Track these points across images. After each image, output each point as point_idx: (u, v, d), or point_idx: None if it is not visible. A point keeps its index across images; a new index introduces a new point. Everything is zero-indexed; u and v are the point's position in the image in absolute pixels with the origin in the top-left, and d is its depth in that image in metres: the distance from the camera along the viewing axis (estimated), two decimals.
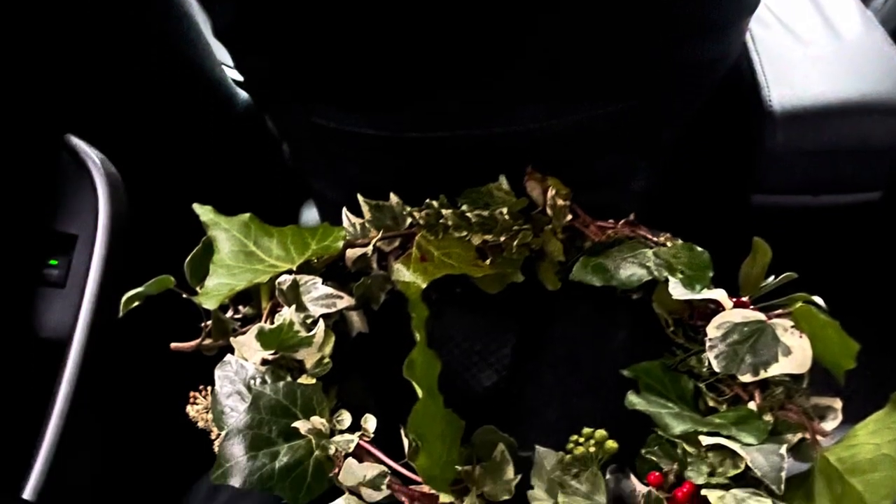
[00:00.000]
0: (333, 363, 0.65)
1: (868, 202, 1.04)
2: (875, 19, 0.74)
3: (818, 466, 0.61)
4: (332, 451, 0.61)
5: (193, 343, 0.67)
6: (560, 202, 0.72)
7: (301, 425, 0.61)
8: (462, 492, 0.61)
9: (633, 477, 0.64)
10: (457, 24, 0.63)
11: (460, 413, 0.61)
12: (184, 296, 0.64)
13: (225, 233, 0.66)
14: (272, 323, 0.65)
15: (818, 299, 0.65)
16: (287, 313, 0.64)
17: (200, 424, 0.68)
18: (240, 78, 0.98)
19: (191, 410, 0.68)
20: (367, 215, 0.72)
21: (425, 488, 0.61)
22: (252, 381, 0.64)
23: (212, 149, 1.07)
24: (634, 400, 0.65)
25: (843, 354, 0.62)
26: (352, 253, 0.71)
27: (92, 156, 0.89)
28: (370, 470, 0.61)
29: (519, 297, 0.71)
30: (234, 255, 0.65)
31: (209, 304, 0.61)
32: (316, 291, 0.67)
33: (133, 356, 0.89)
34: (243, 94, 1.10)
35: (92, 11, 0.82)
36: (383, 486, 0.61)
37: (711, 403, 0.67)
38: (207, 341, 0.68)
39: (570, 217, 0.73)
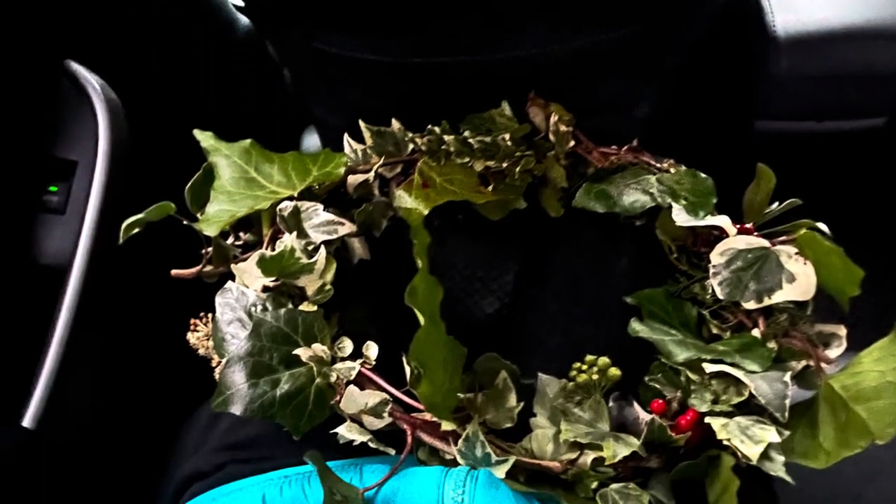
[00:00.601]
0: (335, 290, 0.64)
1: (872, 128, 1.02)
2: None
3: (822, 394, 0.60)
4: (333, 379, 0.60)
5: (194, 270, 0.66)
6: (563, 128, 0.70)
7: (302, 352, 0.60)
8: (464, 419, 0.61)
9: (636, 404, 0.63)
10: None
11: (462, 340, 0.60)
12: (184, 222, 0.62)
13: (225, 159, 0.65)
14: (273, 250, 0.64)
15: (822, 226, 0.64)
16: (288, 240, 0.63)
17: (201, 352, 0.67)
18: (240, 3, 0.96)
19: (191, 338, 0.67)
20: (369, 141, 0.70)
21: (427, 416, 0.60)
22: (253, 308, 0.63)
23: (212, 75, 1.05)
24: (637, 327, 0.64)
25: (847, 281, 0.60)
26: (353, 179, 0.69)
27: (92, 81, 0.87)
28: (372, 397, 0.60)
29: (521, 224, 0.70)
30: (234, 181, 0.64)
31: (210, 230, 0.59)
32: (317, 218, 0.66)
33: (133, 283, 0.88)
34: (244, 20, 1.08)
35: None
36: (385, 414, 0.60)
37: (715, 331, 0.66)
38: (208, 268, 0.67)
39: (572, 143, 0.71)
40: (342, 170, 0.65)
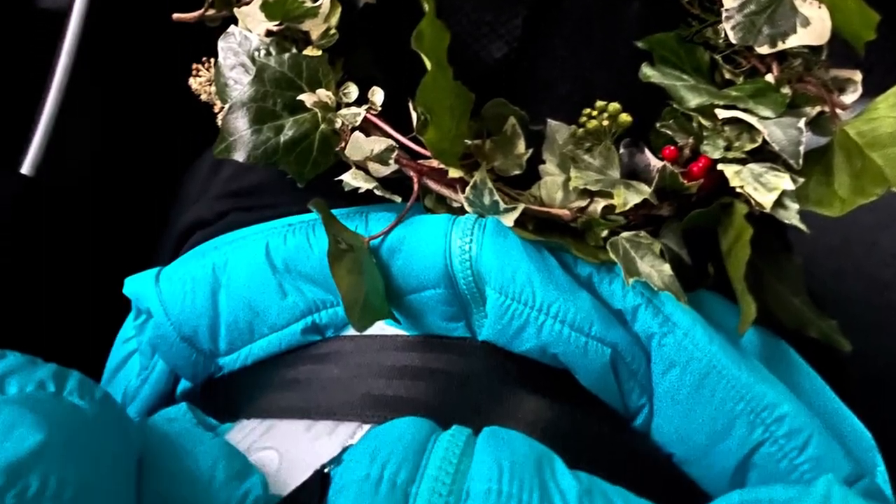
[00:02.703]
0: (340, 34, 0.60)
1: None
2: None
3: (837, 140, 0.57)
4: (338, 125, 0.57)
5: (196, 14, 0.62)
6: None
7: (306, 98, 0.56)
8: (472, 166, 0.57)
9: (647, 151, 0.59)
10: None
11: (470, 87, 0.56)
12: None
13: None
14: None
15: None
16: None
17: (203, 98, 0.64)
18: None
19: (193, 83, 0.64)
20: None
21: (434, 163, 0.57)
22: (256, 53, 0.59)
23: None
24: (649, 72, 0.60)
25: (862, 25, 0.56)
26: None
27: None
28: (377, 144, 0.57)
29: None
30: None
31: None
32: None
33: (134, 27, 0.83)
34: None
35: None
36: (391, 161, 0.57)
37: (728, 76, 0.62)
38: (210, 12, 0.62)
39: None
40: None
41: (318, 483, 0.48)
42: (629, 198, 0.55)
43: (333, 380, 0.57)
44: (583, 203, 0.57)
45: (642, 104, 0.59)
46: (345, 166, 0.59)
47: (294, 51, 0.59)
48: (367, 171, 0.59)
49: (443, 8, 0.58)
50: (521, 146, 0.59)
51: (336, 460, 0.49)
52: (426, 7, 0.51)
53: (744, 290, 0.53)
